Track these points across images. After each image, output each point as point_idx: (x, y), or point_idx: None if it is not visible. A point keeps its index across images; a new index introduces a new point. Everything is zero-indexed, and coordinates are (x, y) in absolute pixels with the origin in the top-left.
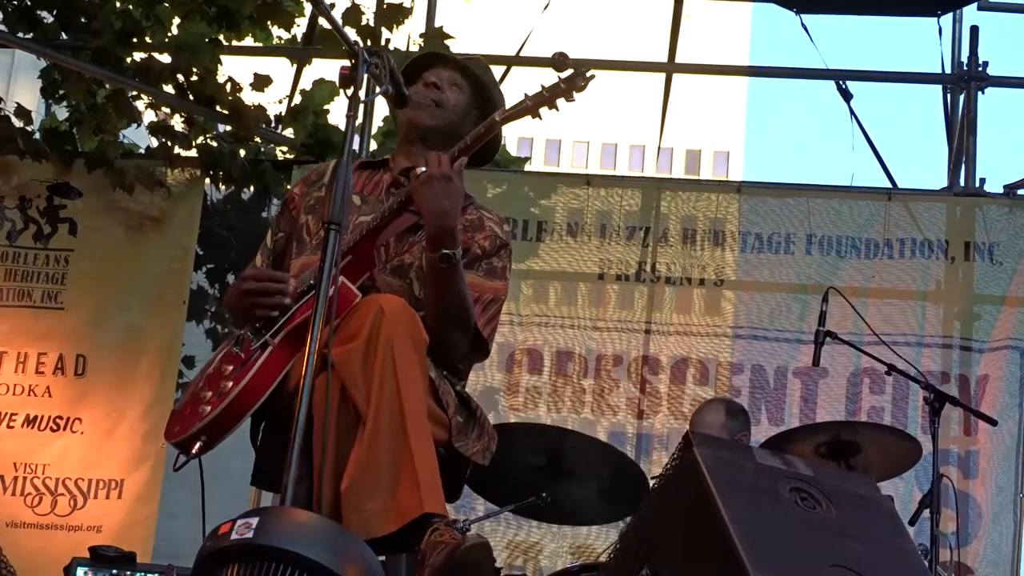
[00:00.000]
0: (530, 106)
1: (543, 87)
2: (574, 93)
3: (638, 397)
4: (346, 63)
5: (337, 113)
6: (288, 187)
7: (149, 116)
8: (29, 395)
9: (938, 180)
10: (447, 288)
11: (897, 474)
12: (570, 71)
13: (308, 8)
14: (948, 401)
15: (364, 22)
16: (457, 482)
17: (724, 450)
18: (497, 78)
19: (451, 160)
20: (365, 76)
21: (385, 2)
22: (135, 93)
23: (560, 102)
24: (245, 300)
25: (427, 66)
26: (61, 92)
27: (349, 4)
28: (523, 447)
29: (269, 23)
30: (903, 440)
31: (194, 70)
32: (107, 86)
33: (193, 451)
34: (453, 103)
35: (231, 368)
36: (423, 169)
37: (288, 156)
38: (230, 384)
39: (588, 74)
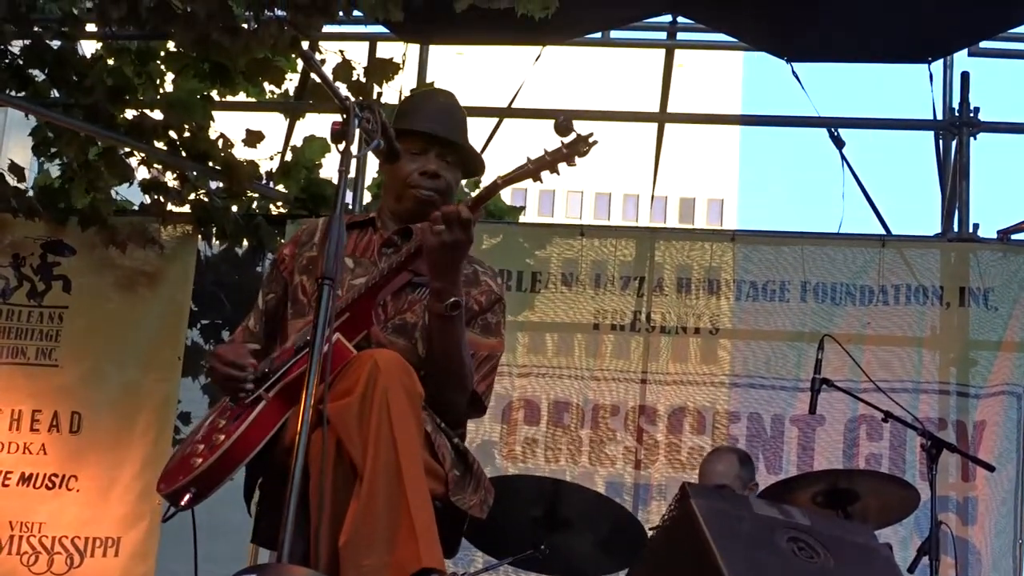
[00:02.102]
0: (531, 169)
1: (546, 151)
2: (576, 158)
3: (635, 447)
4: (338, 118)
5: (330, 167)
6: (282, 241)
7: (142, 173)
8: (24, 453)
9: (932, 226)
10: (451, 339)
11: (895, 521)
12: (573, 136)
13: (300, 64)
14: (945, 447)
15: (355, 77)
16: (455, 536)
17: (721, 501)
18: (488, 130)
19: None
20: (357, 131)
21: (376, 57)
22: (127, 150)
23: (562, 166)
24: (214, 375)
25: (413, 134)
26: (53, 150)
27: (340, 60)
28: (521, 499)
29: (261, 79)
30: (901, 488)
31: (186, 126)
32: (99, 143)
33: (183, 503)
34: (453, 187)
35: (224, 422)
36: (441, 228)
37: (281, 211)
38: (222, 437)
39: (591, 139)
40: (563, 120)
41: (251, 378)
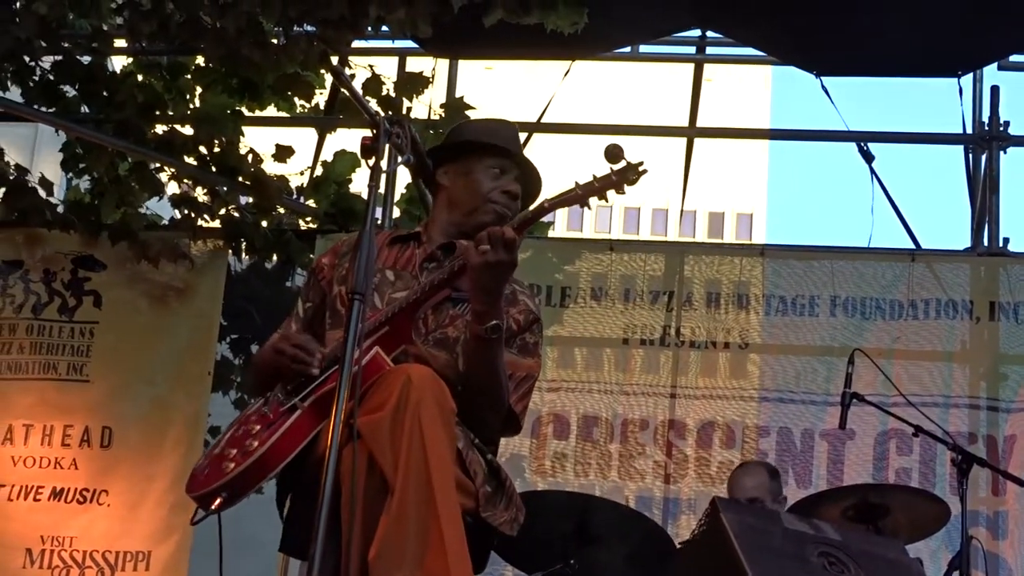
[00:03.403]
0: (579, 195)
1: (595, 177)
2: (625, 186)
3: (665, 461)
4: (367, 133)
5: (360, 182)
6: (312, 256)
7: (172, 188)
8: (55, 468)
9: (961, 240)
10: (489, 361)
11: (926, 536)
12: (623, 163)
13: (329, 79)
14: (976, 462)
15: (385, 92)
16: (484, 552)
17: (751, 515)
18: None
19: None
20: (387, 146)
21: (405, 72)
22: (157, 165)
23: (610, 193)
24: (277, 359)
25: (492, 149)
26: (82, 166)
27: (369, 75)
28: (550, 513)
29: (290, 94)
30: (931, 502)
31: (216, 141)
32: (129, 159)
33: (212, 507)
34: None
35: (258, 428)
36: (486, 247)
37: (311, 226)
38: (255, 443)
39: (641, 168)
40: (613, 147)
41: (317, 363)
